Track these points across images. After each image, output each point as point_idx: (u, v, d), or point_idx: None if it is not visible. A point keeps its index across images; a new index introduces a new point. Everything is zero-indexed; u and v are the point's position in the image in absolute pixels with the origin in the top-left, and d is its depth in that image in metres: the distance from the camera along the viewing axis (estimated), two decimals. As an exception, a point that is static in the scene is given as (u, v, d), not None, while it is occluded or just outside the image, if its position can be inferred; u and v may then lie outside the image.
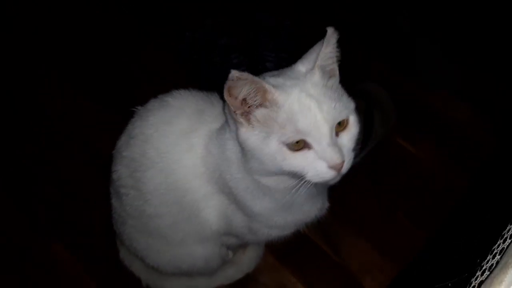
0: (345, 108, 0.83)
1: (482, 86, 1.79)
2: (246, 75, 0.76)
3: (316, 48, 0.86)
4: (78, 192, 1.58)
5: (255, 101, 0.80)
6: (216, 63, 1.67)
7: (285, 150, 0.80)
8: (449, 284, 0.61)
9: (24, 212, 1.54)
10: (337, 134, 0.83)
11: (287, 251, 1.41)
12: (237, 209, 0.99)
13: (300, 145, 0.80)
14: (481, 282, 0.52)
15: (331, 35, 0.82)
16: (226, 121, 0.90)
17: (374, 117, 1.50)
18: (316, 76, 0.83)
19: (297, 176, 0.83)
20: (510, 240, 0.51)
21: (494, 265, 0.51)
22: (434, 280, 0.74)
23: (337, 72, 0.87)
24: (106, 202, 1.17)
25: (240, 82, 0.77)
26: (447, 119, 1.70)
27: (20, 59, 1.89)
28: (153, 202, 1.01)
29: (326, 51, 0.83)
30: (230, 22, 1.81)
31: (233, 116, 0.83)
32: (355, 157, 0.86)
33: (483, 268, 0.53)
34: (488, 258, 0.54)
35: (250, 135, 0.82)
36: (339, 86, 0.87)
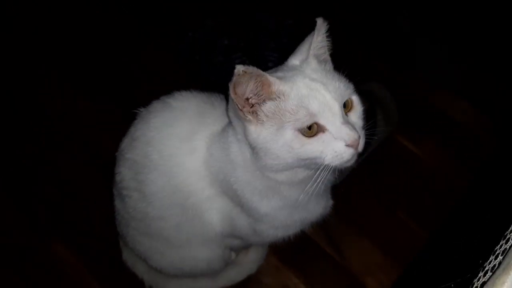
0: (348, 88, 0.85)
1: (483, 86, 1.80)
2: (251, 68, 0.76)
3: (307, 40, 0.88)
4: (78, 192, 1.58)
5: (261, 95, 0.80)
6: (217, 63, 1.67)
7: (300, 136, 0.80)
8: (452, 285, 0.61)
9: (24, 212, 1.54)
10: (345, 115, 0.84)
11: (289, 252, 1.42)
12: (241, 212, 0.99)
13: (313, 131, 0.80)
14: (484, 283, 0.52)
15: (321, 25, 0.86)
16: (230, 123, 0.90)
17: (376, 117, 1.50)
18: (313, 64, 0.86)
19: (314, 165, 0.83)
20: None
21: (497, 266, 0.51)
22: (435, 280, 0.74)
23: (330, 60, 0.90)
24: (107, 202, 1.17)
25: (245, 77, 0.77)
26: (449, 119, 1.70)
27: (20, 59, 1.88)
28: (156, 204, 1.01)
29: (318, 40, 0.86)
30: (230, 22, 1.81)
31: (240, 115, 0.82)
32: (359, 156, 0.86)
33: (486, 269, 0.53)
34: (490, 259, 0.54)
35: (261, 130, 0.82)
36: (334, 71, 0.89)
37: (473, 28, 1.94)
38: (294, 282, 1.41)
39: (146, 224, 1.06)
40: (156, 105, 1.03)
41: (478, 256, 0.57)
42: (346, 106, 0.85)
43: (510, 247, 0.50)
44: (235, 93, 0.79)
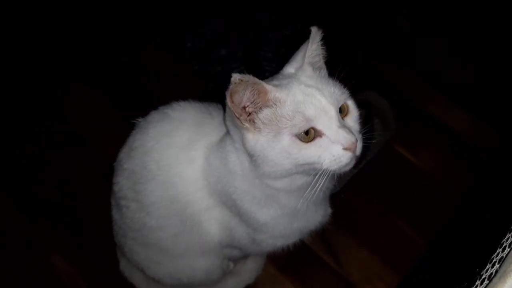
0: (343, 93, 0.86)
1: (481, 86, 1.80)
2: (248, 76, 0.77)
3: (302, 48, 0.90)
4: (78, 192, 1.58)
5: (258, 103, 0.81)
6: (216, 73, 1.68)
7: (298, 142, 0.80)
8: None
9: (24, 212, 1.54)
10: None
11: (287, 261, 1.41)
12: (240, 222, 0.99)
13: (311, 137, 0.81)
14: (481, 291, 0.53)
15: (316, 33, 0.87)
16: (228, 133, 0.90)
17: (374, 126, 1.51)
18: (308, 71, 0.87)
19: (312, 170, 0.83)
20: (509, 249, 0.51)
21: (493, 274, 0.51)
22: (433, 288, 0.74)
23: (325, 67, 0.91)
24: (107, 204, 1.17)
25: (242, 86, 0.77)
26: (447, 126, 1.70)
27: (19, 59, 1.88)
28: (154, 214, 1.01)
29: (312, 48, 0.88)
30: (230, 22, 1.81)
31: (237, 124, 0.83)
32: (357, 165, 0.86)
33: (483, 277, 0.53)
34: (487, 267, 0.54)
35: (258, 137, 0.82)
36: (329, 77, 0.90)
37: (473, 27, 1.94)
38: (292, 291, 1.40)
39: (144, 234, 1.06)
40: (154, 115, 1.03)
41: (475, 264, 0.57)
42: (342, 111, 0.85)
43: (506, 255, 0.50)
44: (232, 102, 0.80)
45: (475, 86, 1.80)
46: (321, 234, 1.13)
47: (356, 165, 0.86)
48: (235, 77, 0.76)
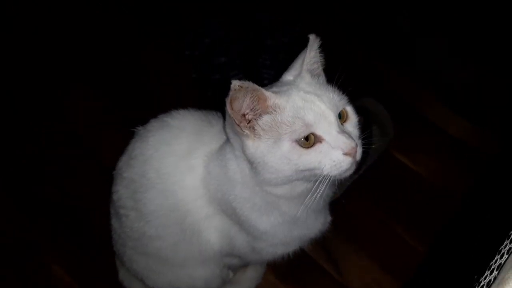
0: (342, 99, 0.87)
1: (481, 89, 1.80)
2: (247, 83, 0.77)
3: (300, 56, 0.90)
4: (78, 192, 1.58)
5: (257, 109, 0.81)
6: (214, 80, 1.69)
7: (298, 147, 0.81)
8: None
9: (24, 212, 1.55)
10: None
11: (287, 269, 1.41)
12: (240, 230, 0.99)
13: (311, 142, 0.81)
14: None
15: (314, 40, 0.87)
16: (228, 140, 0.90)
17: (372, 132, 1.51)
18: (307, 78, 0.87)
19: (313, 176, 0.83)
20: (507, 256, 0.51)
21: (492, 280, 0.51)
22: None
23: (323, 74, 0.92)
24: (107, 202, 1.16)
25: (242, 92, 0.78)
26: (446, 133, 1.70)
27: (19, 59, 1.88)
28: (153, 223, 1.01)
29: (311, 55, 0.88)
30: (229, 32, 1.81)
31: (237, 130, 0.83)
32: (357, 171, 0.86)
33: (481, 284, 0.53)
34: (486, 274, 0.54)
35: (259, 144, 0.82)
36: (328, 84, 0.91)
37: (473, 27, 1.94)
38: (292, 300, 1.40)
39: (143, 243, 1.06)
40: (153, 124, 1.03)
41: (474, 271, 0.57)
42: (342, 117, 0.86)
43: (505, 262, 0.50)
44: (232, 108, 0.80)
45: (475, 87, 1.80)
46: (320, 242, 1.13)
47: (355, 171, 0.86)
48: (235, 83, 0.76)
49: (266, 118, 0.81)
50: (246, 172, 0.88)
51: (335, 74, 0.90)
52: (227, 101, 0.79)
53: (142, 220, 1.01)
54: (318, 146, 0.81)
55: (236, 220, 0.97)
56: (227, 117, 0.85)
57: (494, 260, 0.54)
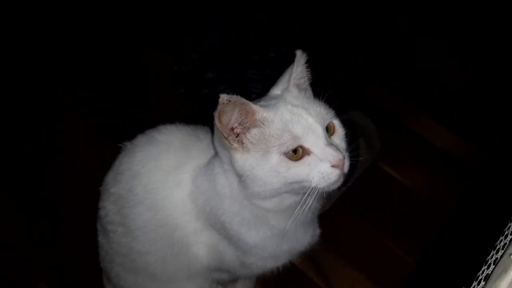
0: (328, 112, 0.87)
1: (481, 90, 1.80)
2: (235, 97, 0.78)
3: (287, 71, 0.91)
4: (78, 192, 1.58)
5: (246, 123, 0.81)
6: (202, 95, 1.69)
7: (286, 160, 0.81)
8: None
9: (24, 212, 1.55)
10: None
11: (277, 283, 1.40)
12: (229, 244, 0.99)
13: (299, 155, 0.81)
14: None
15: (300, 56, 0.88)
16: (216, 154, 0.90)
17: (359, 145, 1.52)
18: (294, 92, 0.89)
19: (302, 189, 0.84)
20: (494, 266, 0.51)
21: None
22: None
23: (310, 88, 0.93)
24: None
25: (230, 106, 0.78)
26: (433, 145, 1.70)
27: (20, 59, 1.88)
28: (141, 238, 1.00)
29: (298, 70, 0.89)
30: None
31: (226, 144, 0.83)
32: (345, 183, 0.86)
33: (479, 278, 0.53)
34: (473, 284, 0.54)
35: (247, 157, 0.83)
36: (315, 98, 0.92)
37: (473, 27, 1.94)
38: (282, 314, 1.39)
39: (131, 258, 1.05)
40: (140, 139, 1.02)
41: (462, 283, 0.57)
42: (329, 130, 0.86)
43: (491, 273, 0.50)
44: (220, 122, 0.80)
45: (475, 88, 1.80)
46: (309, 255, 1.12)
47: (343, 184, 0.87)
48: (223, 97, 0.76)
49: (254, 132, 0.82)
50: (234, 186, 0.88)
51: (322, 88, 0.91)
52: (216, 115, 0.79)
53: (130, 235, 1.00)
54: (306, 159, 0.81)
55: (225, 234, 0.97)
56: (215, 131, 0.85)
57: (481, 271, 0.54)
